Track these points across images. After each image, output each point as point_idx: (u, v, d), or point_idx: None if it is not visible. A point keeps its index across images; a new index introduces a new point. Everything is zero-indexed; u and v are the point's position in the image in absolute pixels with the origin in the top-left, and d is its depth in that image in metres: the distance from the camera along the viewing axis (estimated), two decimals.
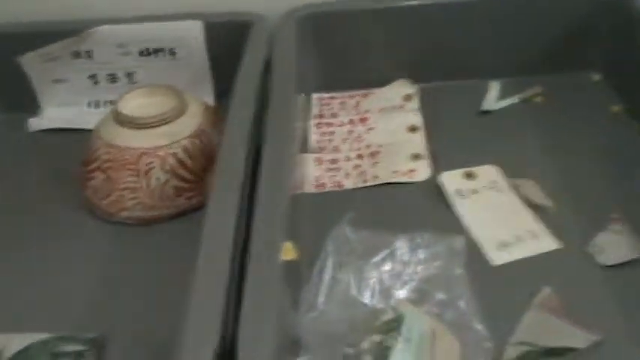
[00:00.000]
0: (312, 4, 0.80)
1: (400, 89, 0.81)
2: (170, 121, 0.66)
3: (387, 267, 0.56)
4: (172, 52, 0.80)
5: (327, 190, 0.69)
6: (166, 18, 0.79)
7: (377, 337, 0.51)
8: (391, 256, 0.56)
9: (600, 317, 0.53)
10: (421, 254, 0.57)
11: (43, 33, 0.79)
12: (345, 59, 0.83)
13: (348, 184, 0.69)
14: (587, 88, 0.80)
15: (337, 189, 0.69)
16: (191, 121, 0.67)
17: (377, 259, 0.56)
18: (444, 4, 0.79)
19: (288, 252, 0.47)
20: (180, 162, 0.65)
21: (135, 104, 0.68)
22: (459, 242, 0.58)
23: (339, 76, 0.84)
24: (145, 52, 0.81)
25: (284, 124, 0.60)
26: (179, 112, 0.67)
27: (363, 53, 0.83)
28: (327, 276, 0.53)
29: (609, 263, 0.57)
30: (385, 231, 0.58)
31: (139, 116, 0.66)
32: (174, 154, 0.65)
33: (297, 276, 0.54)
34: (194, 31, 0.79)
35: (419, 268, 0.56)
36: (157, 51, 0.80)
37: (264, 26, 0.75)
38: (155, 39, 0.79)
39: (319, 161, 0.73)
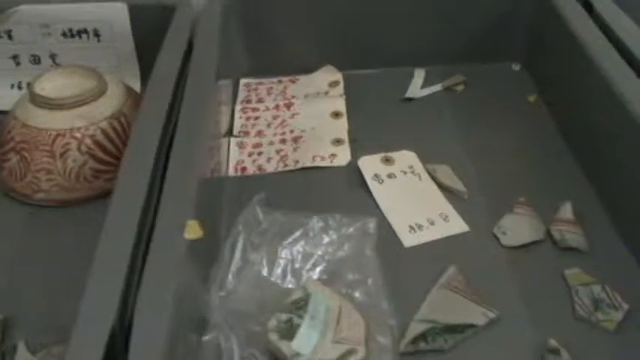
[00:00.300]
0: None
1: (326, 75, 0.82)
2: (88, 103, 0.65)
3: (298, 248, 0.57)
4: (97, 34, 0.79)
5: (249, 173, 0.70)
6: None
7: (284, 316, 0.51)
8: (303, 237, 0.57)
9: (500, 295, 0.55)
10: (333, 235, 0.58)
11: None
12: (273, 46, 0.83)
13: (270, 167, 0.70)
14: (507, 78, 0.82)
15: (258, 172, 0.70)
16: (110, 103, 0.67)
17: (289, 240, 0.57)
18: None
19: (192, 230, 0.47)
20: (98, 144, 0.65)
21: (52, 85, 0.67)
22: (370, 224, 0.59)
23: (268, 63, 0.84)
24: (69, 34, 0.79)
25: (198, 108, 0.60)
26: (98, 93, 0.66)
27: (291, 40, 0.83)
28: (237, 256, 0.54)
29: (511, 244, 0.59)
30: (300, 213, 0.58)
31: (55, 97, 0.65)
32: (92, 136, 0.64)
33: (209, 255, 0.54)
34: (119, 14, 0.78)
35: (330, 249, 0.57)
36: (80, 32, 0.79)
37: (187, 11, 0.75)
38: (78, 20, 0.78)
39: (242, 145, 0.73)
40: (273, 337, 0.50)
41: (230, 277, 0.53)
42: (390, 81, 0.82)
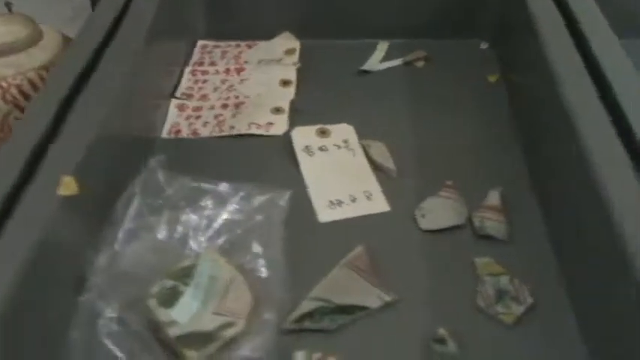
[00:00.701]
0: None
1: (284, 42, 0.80)
2: (18, 52, 0.64)
3: (203, 214, 0.55)
4: None
5: (182, 136, 0.68)
6: None
7: (170, 283, 0.50)
8: (210, 204, 0.55)
9: (405, 279, 0.53)
10: (241, 205, 0.56)
11: None
12: (234, 9, 0.81)
13: (204, 132, 0.68)
14: (472, 56, 0.78)
15: (192, 136, 0.68)
16: (42, 54, 0.66)
17: (194, 206, 0.55)
18: None
19: (66, 187, 0.46)
20: (24, 94, 0.64)
21: None
22: (283, 196, 0.57)
23: (229, 26, 0.82)
24: None
25: (120, 64, 0.58)
26: (29, 42, 0.65)
27: (252, 4, 0.81)
28: (129, 217, 0.52)
29: (429, 228, 0.56)
30: (210, 180, 0.57)
31: None
32: (18, 86, 0.63)
33: (104, 215, 0.52)
34: None
35: (237, 218, 0.55)
36: None
37: None
38: None
39: (182, 108, 0.71)
40: (152, 303, 0.49)
41: (120, 238, 0.51)
42: (350, 53, 0.79)
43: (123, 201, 0.52)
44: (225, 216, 0.55)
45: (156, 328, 0.48)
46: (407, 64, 0.78)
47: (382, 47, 0.80)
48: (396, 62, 0.78)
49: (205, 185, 0.56)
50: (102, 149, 0.53)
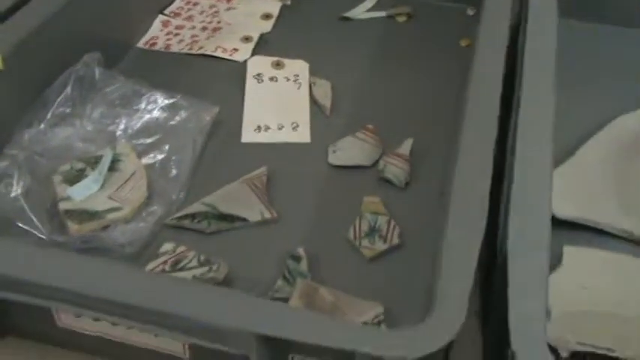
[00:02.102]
0: None
1: None
2: None
3: (129, 112, 0.60)
4: None
5: (155, 49, 0.73)
6: None
7: (80, 164, 0.56)
8: (138, 104, 0.60)
9: (296, 203, 0.56)
10: (168, 111, 0.61)
11: None
12: None
13: (175, 48, 0.73)
14: (455, 20, 0.79)
15: (163, 50, 0.73)
16: None
17: (122, 103, 0.60)
18: None
19: None
20: None
21: None
22: (210, 112, 0.61)
23: None
24: None
25: None
26: None
27: None
28: (58, 103, 0.58)
29: (335, 163, 0.59)
30: (146, 84, 0.62)
31: None
32: None
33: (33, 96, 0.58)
34: None
35: (160, 121, 0.60)
36: None
37: None
38: None
39: (165, 24, 0.76)
40: (57, 178, 0.55)
41: (48, 119, 0.57)
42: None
43: (56, 87, 0.58)
44: (150, 118, 0.60)
45: (53, 202, 0.54)
46: (389, 17, 0.79)
47: None
48: (379, 14, 0.79)
49: (139, 89, 0.61)
50: (54, 39, 0.59)
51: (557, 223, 0.53)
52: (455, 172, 0.45)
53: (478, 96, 0.52)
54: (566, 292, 0.48)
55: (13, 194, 0.53)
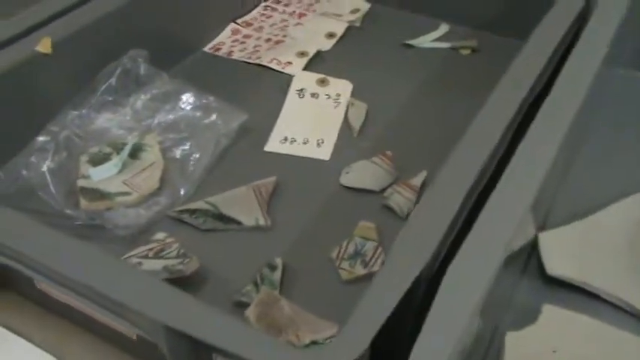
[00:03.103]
0: None
1: (354, 2, 0.85)
2: None
3: (164, 108, 0.64)
4: None
5: (218, 54, 0.77)
6: None
7: (108, 149, 0.61)
8: (173, 102, 0.64)
9: (293, 214, 0.57)
10: (199, 111, 0.64)
11: None
12: None
13: (236, 55, 0.77)
14: None
15: (225, 56, 0.77)
16: None
17: (161, 98, 0.64)
18: None
19: (44, 45, 0.58)
20: None
21: None
22: (238, 118, 0.64)
23: None
24: None
25: None
26: None
27: None
28: (102, 90, 0.63)
29: (345, 184, 0.60)
30: (187, 83, 0.65)
31: None
32: None
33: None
34: None
35: (190, 120, 0.64)
36: None
37: None
38: None
39: (235, 32, 0.81)
40: (84, 158, 0.60)
41: (91, 104, 0.62)
42: (410, 26, 0.81)
43: (103, 76, 0.63)
44: (182, 115, 0.64)
45: (75, 179, 0.59)
46: (453, 48, 0.78)
47: (442, 29, 0.81)
48: (444, 45, 0.79)
49: (179, 87, 0.65)
50: (118, 31, 0.64)
51: (556, 282, 0.51)
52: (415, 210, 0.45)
53: (477, 129, 0.50)
54: (533, 354, 0.45)
55: (43, 168, 0.58)
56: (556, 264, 0.50)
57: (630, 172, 0.61)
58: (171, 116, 0.64)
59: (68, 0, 0.63)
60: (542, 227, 0.55)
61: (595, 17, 0.63)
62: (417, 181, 0.59)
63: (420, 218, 0.44)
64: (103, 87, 0.63)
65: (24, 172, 0.58)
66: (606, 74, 0.65)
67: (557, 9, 0.65)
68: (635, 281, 0.50)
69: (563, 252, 0.51)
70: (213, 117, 0.64)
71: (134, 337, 0.45)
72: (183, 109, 0.64)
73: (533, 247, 0.53)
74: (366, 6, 0.84)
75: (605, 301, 0.50)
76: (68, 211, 0.55)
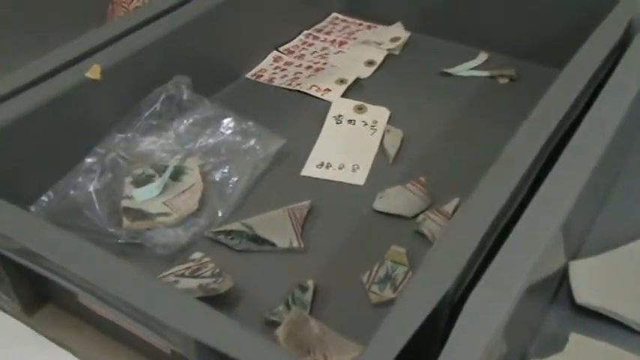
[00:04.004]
0: None
1: (394, 30, 0.86)
2: None
3: (205, 132, 0.67)
4: None
5: (260, 80, 0.80)
6: None
7: (151, 171, 0.63)
8: (214, 127, 0.67)
9: (327, 237, 0.59)
10: (239, 136, 0.66)
11: None
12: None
13: (277, 82, 0.79)
14: None
15: (267, 82, 0.79)
16: None
17: (201, 123, 0.67)
18: None
19: (93, 71, 0.61)
20: None
21: None
22: (276, 143, 0.66)
23: (364, 6, 0.91)
24: None
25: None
26: None
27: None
28: (146, 114, 0.66)
29: (378, 209, 0.61)
30: (227, 109, 0.68)
31: None
32: None
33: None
34: None
35: (229, 144, 0.66)
36: None
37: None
38: None
39: (277, 59, 0.83)
40: (128, 179, 0.62)
41: (136, 126, 0.65)
42: (449, 55, 0.82)
43: (148, 101, 0.66)
44: (222, 140, 0.66)
45: (119, 199, 0.61)
46: (492, 77, 0.79)
47: (480, 58, 0.82)
48: (482, 73, 0.79)
49: (220, 113, 0.67)
50: (164, 59, 0.67)
51: (583, 310, 0.51)
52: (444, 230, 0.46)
53: (508, 156, 0.51)
54: None
55: (90, 188, 0.61)
56: (585, 293, 0.50)
57: None
58: (211, 140, 0.66)
59: (116, 29, 0.67)
60: (574, 256, 0.55)
61: (633, 47, 0.63)
62: (450, 207, 0.60)
63: (446, 243, 0.44)
64: (148, 112, 0.66)
65: (71, 192, 0.61)
66: None
67: (595, 38, 0.65)
68: None
69: (592, 281, 0.51)
70: (252, 142, 0.66)
71: (168, 352, 0.47)
72: (223, 133, 0.67)
73: (563, 276, 0.53)
74: (406, 35, 0.85)
75: (634, 331, 0.49)
76: (111, 230, 0.58)
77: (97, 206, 0.60)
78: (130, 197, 0.61)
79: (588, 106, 0.58)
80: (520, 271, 0.41)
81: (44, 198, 0.60)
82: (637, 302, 0.50)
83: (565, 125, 0.57)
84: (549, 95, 0.58)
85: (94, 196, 0.61)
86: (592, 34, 0.66)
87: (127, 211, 0.60)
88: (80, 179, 0.61)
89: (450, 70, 0.80)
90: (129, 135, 0.65)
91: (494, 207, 0.47)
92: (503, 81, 0.78)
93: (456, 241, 0.44)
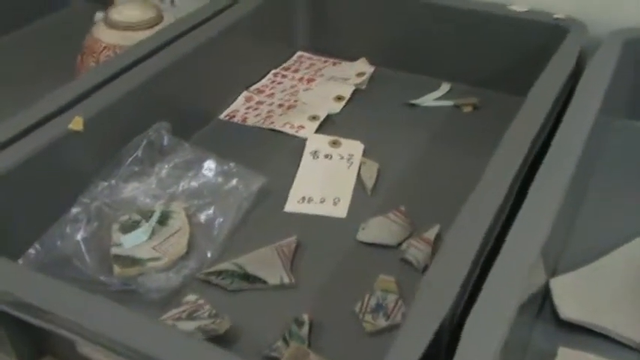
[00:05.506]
0: None
1: (359, 66, 0.89)
2: (137, 30, 0.83)
3: (187, 175, 0.68)
4: None
5: (233, 120, 0.82)
6: None
7: (137, 216, 0.64)
8: (196, 169, 0.68)
9: (316, 271, 0.60)
10: (221, 177, 0.68)
11: None
12: (333, 30, 0.93)
13: (251, 121, 0.81)
14: None
15: (241, 122, 0.81)
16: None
17: (182, 167, 0.68)
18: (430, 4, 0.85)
19: (76, 123, 0.62)
20: None
21: (126, 12, 0.86)
22: (257, 182, 0.68)
23: (328, 44, 0.94)
24: None
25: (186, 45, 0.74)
26: (147, 24, 0.84)
27: (348, 30, 0.92)
28: (128, 161, 0.67)
29: (362, 240, 0.63)
30: (207, 152, 0.69)
31: (114, 20, 0.84)
32: None
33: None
34: None
35: (213, 185, 0.67)
36: None
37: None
38: None
39: (248, 99, 0.85)
40: (115, 226, 0.63)
41: (117, 174, 0.66)
42: (413, 86, 0.86)
43: (130, 148, 0.67)
44: (205, 182, 0.68)
45: (108, 247, 0.62)
46: (456, 107, 0.83)
47: (443, 88, 0.85)
48: (446, 103, 0.83)
49: (201, 155, 0.69)
50: (139, 107, 0.69)
51: (566, 325, 0.53)
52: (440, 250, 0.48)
53: (486, 184, 0.54)
54: None
55: (77, 237, 0.62)
56: (568, 308, 0.53)
57: (632, 216, 0.64)
58: (194, 183, 0.68)
59: (93, 80, 0.68)
60: (553, 273, 0.58)
61: (586, 73, 0.68)
62: (431, 234, 0.62)
63: (438, 270, 0.47)
64: (130, 159, 0.67)
65: (59, 243, 0.61)
66: (603, 125, 0.70)
67: (552, 67, 0.70)
68: (638, 321, 0.52)
69: (574, 296, 0.54)
70: (234, 182, 0.67)
71: None
72: (205, 175, 0.68)
73: (545, 293, 0.56)
74: (371, 69, 0.89)
75: (618, 342, 0.52)
76: (102, 278, 0.58)
77: (86, 255, 0.60)
78: (118, 244, 0.61)
79: (552, 130, 0.62)
80: (512, 293, 0.44)
81: (31, 250, 0.60)
82: (619, 313, 0.53)
83: (534, 150, 0.61)
84: (517, 123, 0.62)
85: (82, 245, 0.61)
86: (548, 64, 0.70)
87: (117, 258, 0.60)
88: (67, 229, 0.62)
89: (416, 102, 0.83)
90: (112, 182, 0.66)
91: (477, 234, 0.49)
92: (467, 109, 0.82)
93: (448, 268, 0.47)
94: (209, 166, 0.68)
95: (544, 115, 0.63)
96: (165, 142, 0.68)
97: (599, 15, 0.78)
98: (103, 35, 0.84)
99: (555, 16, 0.79)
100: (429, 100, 0.84)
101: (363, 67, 0.89)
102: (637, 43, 0.74)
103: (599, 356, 0.50)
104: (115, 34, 0.84)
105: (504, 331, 0.41)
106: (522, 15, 0.81)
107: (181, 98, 0.76)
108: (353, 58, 0.92)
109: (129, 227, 0.63)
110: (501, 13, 0.82)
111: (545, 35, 0.79)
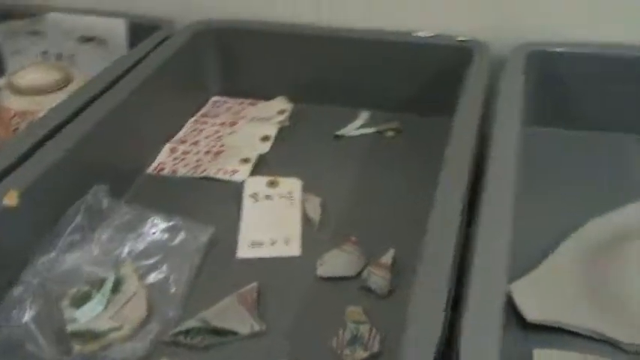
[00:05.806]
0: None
1: (278, 104, 0.90)
2: (45, 93, 0.80)
3: (132, 237, 0.66)
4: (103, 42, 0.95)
5: (163, 173, 0.80)
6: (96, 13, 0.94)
7: (86, 287, 0.61)
8: (142, 229, 0.66)
9: (283, 314, 0.60)
10: (168, 234, 0.66)
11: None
12: (245, 73, 0.94)
13: (181, 172, 0.80)
14: (443, 132, 0.84)
15: (171, 175, 0.79)
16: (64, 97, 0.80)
17: (127, 229, 0.66)
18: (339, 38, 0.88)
19: (10, 197, 0.59)
20: None
21: (30, 76, 0.83)
22: (205, 233, 0.66)
23: (241, 86, 0.94)
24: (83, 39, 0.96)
25: (108, 103, 0.72)
26: (57, 86, 0.80)
27: (260, 70, 0.93)
28: (68, 231, 0.64)
29: (323, 275, 0.63)
30: (148, 210, 0.67)
31: (22, 85, 0.80)
32: None
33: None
34: (117, 28, 0.93)
35: (160, 243, 0.65)
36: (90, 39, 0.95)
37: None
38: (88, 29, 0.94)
39: (173, 150, 0.84)
40: (65, 302, 0.60)
41: (58, 247, 0.63)
42: (335, 118, 0.87)
43: (68, 217, 0.64)
44: (151, 240, 0.66)
45: (61, 325, 0.58)
46: (379, 132, 0.85)
47: (363, 116, 0.88)
48: (369, 130, 0.86)
49: (142, 214, 0.67)
50: (68, 174, 0.65)
51: (532, 327, 0.56)
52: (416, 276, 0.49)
53: (441, 204, 0.56)
54: None
55: (25, 319, 0.58)
56: (533, 310, 0.56)
57: (565, 215, 0.68)
58: (140, 244, 0.65)
59: (19, 149, 0.65)
60: (509, 278, 0.61)
61: (502, 92, 0.72)
62: (387, 258, 0.64)
63: (420, 299, 0.48)
64: (69, 228, 0.64)
65: (4, 329, 0.57)
66: (529, 134, 0.74)
67: (468, 86, 0.74)
68: (601, 311, 0.56)
69: (535, 298, 0.57)
70: (182, 236, 0.66)
71: None
72: (150, 233, 0.66)
73: (508, 299, 0.59)
74: (290, 106, 0.90)
75: (580, 335, 0.55)
76: (61, 359, 0.55)
77: (39, 338, 0.57)
78: (73, 320, 0.58)
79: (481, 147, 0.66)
80: (496, 305, 0.46)
81: None
82: (580, 307, 0.56)
83: (472, 168, 0.64)
84: (454, 142, 0.64)
85: (32, 326, 0.57)
86: (464, 83, 0.74)
87: (75, 335, 0.57)
88: (13, 313, 0.58)
89: (341, 132, 0.85)
90: (52, 255, 0.63)
91: (447, 256, 0.51)
92: (390, 134, 0.85)
93: (428, 294, 0.48)
94: (153, 224, 0.67)
95: (474, 131, 0.66)
96: (105, 205, 0.66)
97: (499, 34, 0.83)
98: (10, 102, 0.80)
99: (459, 38, 0.84)
100: (352, 129, 0.86)
101: (281, 104, 0.90)
102: (538, 55, 0.80)
103: (571, 351, 0.53)
104: (22, 100, 0.80)
105: (498, 345, 0.43)
106: (429, 40, 0.85)
107: (108, 158, 0.73)
108: (268, 97, 0.93)
109: (80, 300, 0.60)
110: (409, 40, 0.86)
111: (453, 57, 0.83)
